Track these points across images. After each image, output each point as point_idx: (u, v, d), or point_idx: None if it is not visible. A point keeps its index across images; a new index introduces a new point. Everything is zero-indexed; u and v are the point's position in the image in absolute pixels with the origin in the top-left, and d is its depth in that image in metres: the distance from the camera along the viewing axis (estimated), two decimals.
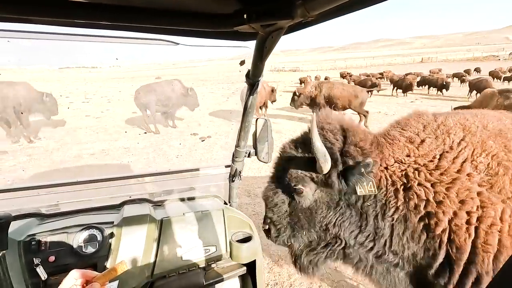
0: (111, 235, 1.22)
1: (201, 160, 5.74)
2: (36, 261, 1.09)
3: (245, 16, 0.81)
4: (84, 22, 0.84)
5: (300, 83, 21.02)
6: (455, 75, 20.74)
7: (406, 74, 19.61)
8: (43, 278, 1.08)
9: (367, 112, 8.89)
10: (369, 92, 14.85)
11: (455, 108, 5.30)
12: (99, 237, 1.19)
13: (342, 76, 26.34)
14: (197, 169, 1.54)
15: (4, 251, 1.05)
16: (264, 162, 1.35)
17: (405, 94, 15.26)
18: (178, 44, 0.99)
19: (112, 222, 1.27)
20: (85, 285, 0.72)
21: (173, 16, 0.81)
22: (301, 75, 25.00)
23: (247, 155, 1.41)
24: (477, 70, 26.02)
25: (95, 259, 1.17)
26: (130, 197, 1.47)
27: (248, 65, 1.15)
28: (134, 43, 1.01)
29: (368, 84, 14.87)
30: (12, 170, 4.83)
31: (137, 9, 0.77)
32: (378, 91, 14.30)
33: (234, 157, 1.43)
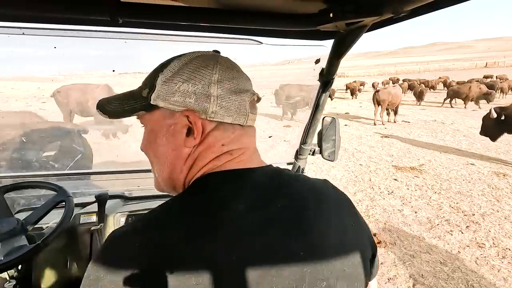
0: None
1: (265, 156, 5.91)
2: None
3: (330, 14, 0.82)
4: (168, 24, 0.95)
5: (346, 89, 20.36)
6: None
7: (469, 80, 17.82)
8: None
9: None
10: (420, 100, 13.77)
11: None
12: None
13: (393, 81, 24.99)
14: None
15: (102, 224, 1.22)
16: (330, 161, 1.36)
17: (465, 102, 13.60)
18: (261, 43, 1.06)
19: None
20: None
21: (256, 16, 0.87)
22: (347, 81, 24.14)
23: (311, 153, 1.43)
24: None
25: None
26: None
27: (321, 63, 1.18)
28: (217, 42, 1.10)
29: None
30: (104, 158, 5.54)
31: (220, 11, 0.84)
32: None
33: (297, 154, 1.46)
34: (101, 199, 1.22)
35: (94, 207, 1.31)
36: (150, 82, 0.51)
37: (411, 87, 18.79)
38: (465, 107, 12.92)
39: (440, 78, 24.11)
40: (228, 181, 0.47)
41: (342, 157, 6.43)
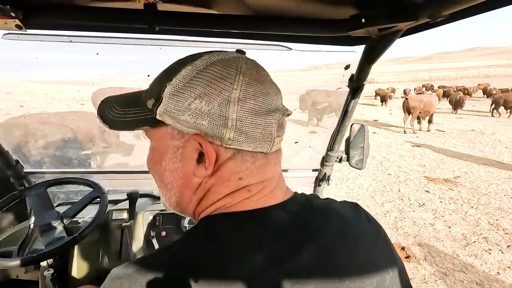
0: None
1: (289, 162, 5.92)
2: (152, 233, 1.29)
3: (363, 20, 0.80)
4: (200, 30, 0.98)
5: (376, 96, 19.71)
6: None
7: None
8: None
9: None
10: (457, 108, 13.01)
11: None
12: None
13: (426, 88, 23.83)
14: (286, 170, 1.60)
15: (132, 221, 1.28)
16: (357, 169, 1.33)
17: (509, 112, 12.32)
18: (291, 49, 1.06)
19: None
20: None
21: (287, 23, 0.87)
22: (376, 87, 23.37)
23: (338, 160, 1.40)
24: None
25: None
26: None
27: (351, 69, 1.16)
28: (247, 48, 1.12)
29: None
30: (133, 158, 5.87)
31: (252, 17, 0.85)
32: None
33: (324, 160, 1.44)
34: (132, 197, 1.28)
35: (125, 204, 1.38)
36: (157, 91, 0.41)
37: (446, 94, 17.80)
38: (508, 117, 11.96)
39: (479, 85, 22.61)
40: (244, 227, 0.40)
41: (370, 165, 6.21)
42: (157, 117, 0.41)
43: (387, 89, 20.44)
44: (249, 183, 0.42)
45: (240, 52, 0.46)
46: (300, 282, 0.37)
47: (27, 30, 0.77)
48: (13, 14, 0.71)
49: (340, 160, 1.40)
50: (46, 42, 1.02)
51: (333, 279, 0.39)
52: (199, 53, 0.43)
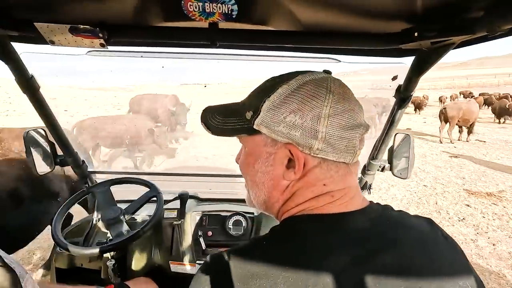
0: (253, 223, 1.42)
1: None
2: (199, 232, 1.38)
3: (415, 34, 0.81)
4: (255, 45, 1.05)
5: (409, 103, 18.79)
6: None
7: None
8: (203, 247, 1.35)
9: None
10: (501, 117, 12.12)
11: None
12: (244, 223, 1.40)
13: (464, 95, 22.47)
14: None
15: (182, 220, 1.38)
16: (401, 178, 1.33)
17: None
18: (340, 61, 1.11)
19: (253, 213, 1.47)
20: None
21: (339, 37, 0.91)
22: None
23: (380, 169, 1.41)
24: None
25: (239, 241, 1.38)
26: None
27: (398, 80, 1.17)
28: (297, 61, 1.19)
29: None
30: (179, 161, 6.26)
31: (306, 33, 0.91)
32: None
33: (365, 169, 1.45)
34: (183, 198, 1.38)
35: (173, 204, 1.49)
36: (255, 105, 0.48)
37: (487, 102, 16.64)
38: None
39: None
40: (328, 228, 0.44)
41: None
42: (254, 126, 0.48)
43: (423, 96, 19.51)
44: (332, 189, 0.47)
45: (327, 72, 0.51)
46: (381, 283, 0.39)
47: (108, 47, 0.89)
48: (100, 35, 0.83)
49: (383, 169, 1.41)
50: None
51: (411, 284, 0.40)
52: (291, 72, 0.49)
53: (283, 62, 1.16)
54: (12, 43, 0.97)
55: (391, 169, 1.37)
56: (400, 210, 0.53)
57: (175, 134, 6.93)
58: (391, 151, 1.36)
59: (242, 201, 1.66)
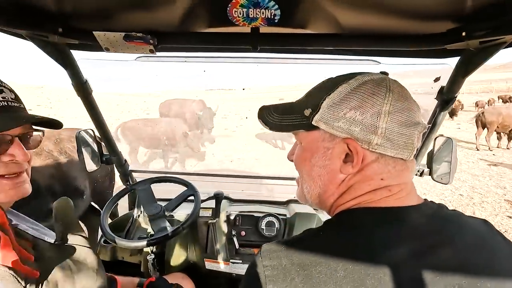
0: (285, 225, 1.43)
1: None
2: (233, 232, 1.41)
3: (463, 33, 0.78)
4: (295, 49, 1.07)
5: None
6: None
7: None
8: (236, 247, 1.37)
9: None
10: None
11: None
12: (277, 225, 1.41)
13: (503, 100, 20.99)
14: None
15: (217, 219, 1.42)
16: (442, 183, 1.27)
17: None
18: (379, 63, 1.10)
19: (285, 215, 1.48)
20: None
21: (381, 39, 0.89)
22: None
23: (419, 173, 1.36)
24: None
25: None
26: (294, 197, 1.68)
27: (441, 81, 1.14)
28: (337, 63, 1.18)
29: None
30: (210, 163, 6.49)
31: (346, 35, 0.91)
32: None
33: None
34: (218, 197, 1.43)
35: (207, 204, 1.54)
36: (315, 103, 0.50)
37: None
38: None
39: None
40: (387, 220, 0.45)
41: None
42: (313, 123, 0.50)
43: (457, 101, 18.40)
44: (389, 184, 0.48)
45: (384, 73, 0.53)
46: (438, 276, 0.40)
47: (156, 53, 0.95)
48: (151, 41, 0.89)
49: (421, 174, 1.36)
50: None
51: (470, 280, 0.40)
52: (350, 73, 0.52)
53: (322, 64, 1.17)
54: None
55: (430, 173, 1.32)
56: (455, 210, 0.53)
57: (203, 137, 7.13)
58: (430, 155, 1.31)
59: (273, 203, 1.68)
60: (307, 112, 0.51)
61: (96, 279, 0.68)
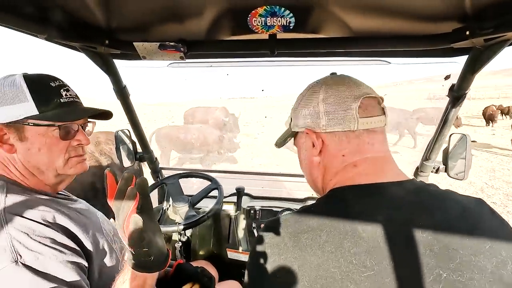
0: None
1: None
2: (253, 224, 1.50)
3: (467, 32, 0.83)
4: (309, 52, 1.16)
5: (482, 115, 14.82)
6: None
7: None
8: None
9: None
10: None
11: None
12: None
13: None
14: None
15: (238, 212, 1.52)
16: (458, 179, 1.29)
17: None
18: (390, 63, 1.17)
19: None
20: None
21: (389, 40, 0.96)
22: (475, 104, 19.67)
23: (434, 170, 1.39)
24: None
25: None
26: (312, 194, 1.75)
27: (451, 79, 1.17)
28: (348, 64, 1.26)
29: None
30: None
31: (357, 38, 0.98)
32: None
33: (418, 170, 1.44)
34: (240, 192, 1.54)
35: (230, 199, 1.64)
36: (290, 116, 0.70)
37: None
38: None
39: None
40: (367, 194, 0.52)
41: (466, 191, 5.41)
42: (292, 129, 0.68)
43: (498, 106, 16.33)
44: (353, 160, 0.57)
45: (333, 74, 0.67)
46: (412, 241, 0.44)
47: (185, 60, 1.09)
48: (182, 49, 1.02)
49: (437, 171, 1.38)
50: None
51: (443, 246, 0.43)
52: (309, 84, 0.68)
53: (335, 66, 1.25)
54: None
55: (446, 170, 1.34)
56: (448, 189, 0.55)
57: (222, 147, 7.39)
58: (446, 152, 1.33)
59: (291, 199, 1.76)
60: (291, 125, 0.70)
61: None
